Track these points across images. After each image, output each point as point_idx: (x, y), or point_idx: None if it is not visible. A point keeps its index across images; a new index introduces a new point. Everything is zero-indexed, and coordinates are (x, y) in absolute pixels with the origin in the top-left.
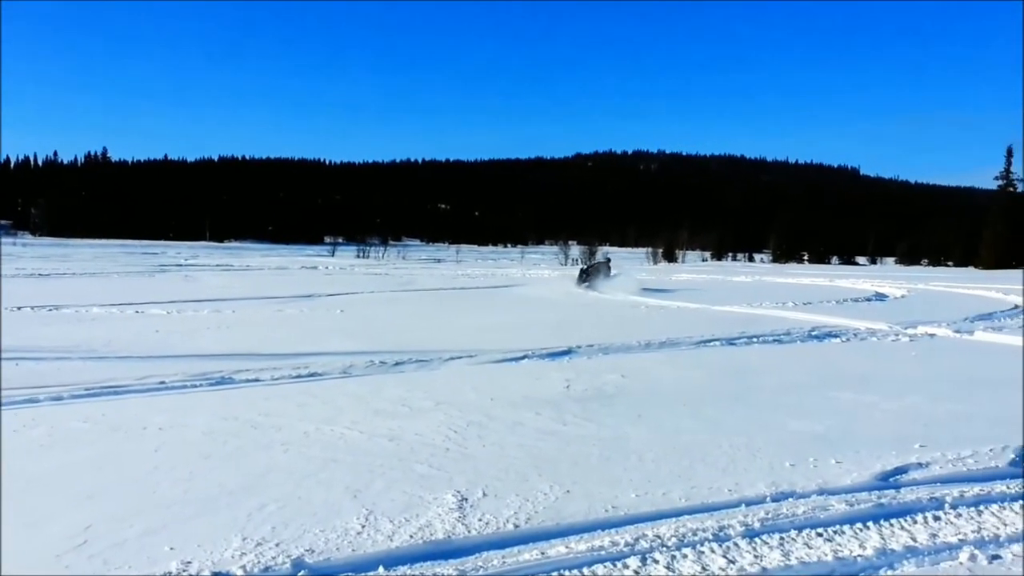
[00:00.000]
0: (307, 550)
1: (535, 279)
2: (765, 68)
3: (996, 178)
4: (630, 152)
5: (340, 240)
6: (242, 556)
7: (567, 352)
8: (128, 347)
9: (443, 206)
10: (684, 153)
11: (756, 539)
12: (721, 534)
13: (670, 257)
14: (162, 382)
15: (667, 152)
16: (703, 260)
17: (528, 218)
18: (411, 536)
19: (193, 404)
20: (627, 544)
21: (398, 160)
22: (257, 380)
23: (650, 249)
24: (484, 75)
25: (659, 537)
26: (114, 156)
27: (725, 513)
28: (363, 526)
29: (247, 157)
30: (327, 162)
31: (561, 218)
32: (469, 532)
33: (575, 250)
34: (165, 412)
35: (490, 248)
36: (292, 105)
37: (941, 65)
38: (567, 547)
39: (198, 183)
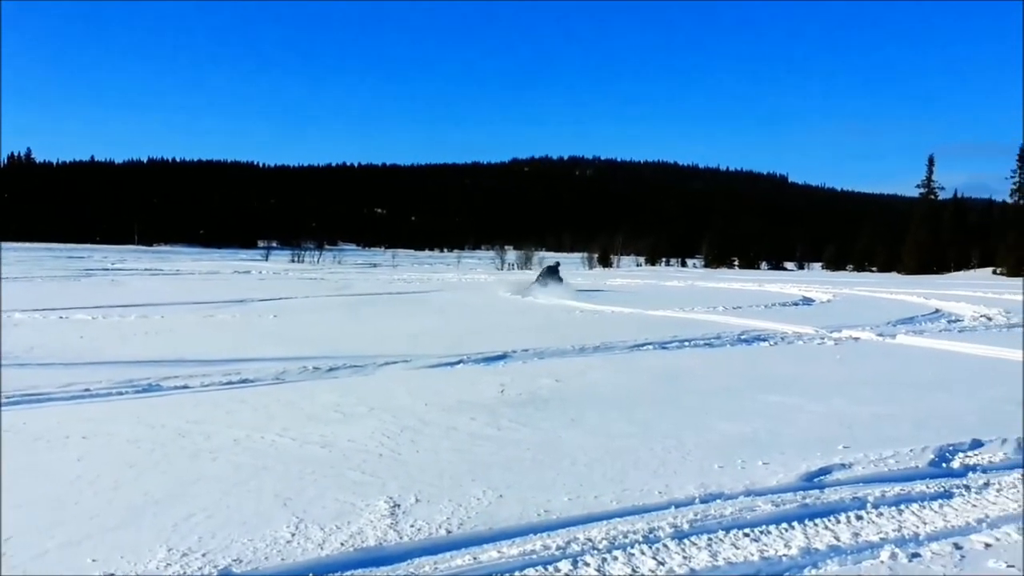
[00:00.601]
0: (235, 560)
1: (472, 284)
2: (696, 77)
3: (918, 186)
4: (566, 158)
5: (274, 244)
6: (167, 567)
7: (502, 357)
8: (52, 353)
9: (379, 211)
10: (619, 159)
11: (685, 540)
12: (651, 536)
13: (605, 262)
14: (87, 389)
15: (602, 158)
16: (638, 265)
17: (465, 223)
18: (342, 544)
19: (118, 412)
20: (559, 547)
21: (334, 164)
22: (186, 387)
23: (586, 254)
24: (421, 80)
25: (590, 540)
26: (39, 157)
27: (655, 515)
28: (293, 534)
29: (178, 159)
30: (261, 165)
31: (498, 223)
32: (401, 539)
33: (511, 255)
34: (89, 420)
35: (427, 253)
36: (225, 106)
37: (866, 76)
38: (499, 552)
39: (127, 185)
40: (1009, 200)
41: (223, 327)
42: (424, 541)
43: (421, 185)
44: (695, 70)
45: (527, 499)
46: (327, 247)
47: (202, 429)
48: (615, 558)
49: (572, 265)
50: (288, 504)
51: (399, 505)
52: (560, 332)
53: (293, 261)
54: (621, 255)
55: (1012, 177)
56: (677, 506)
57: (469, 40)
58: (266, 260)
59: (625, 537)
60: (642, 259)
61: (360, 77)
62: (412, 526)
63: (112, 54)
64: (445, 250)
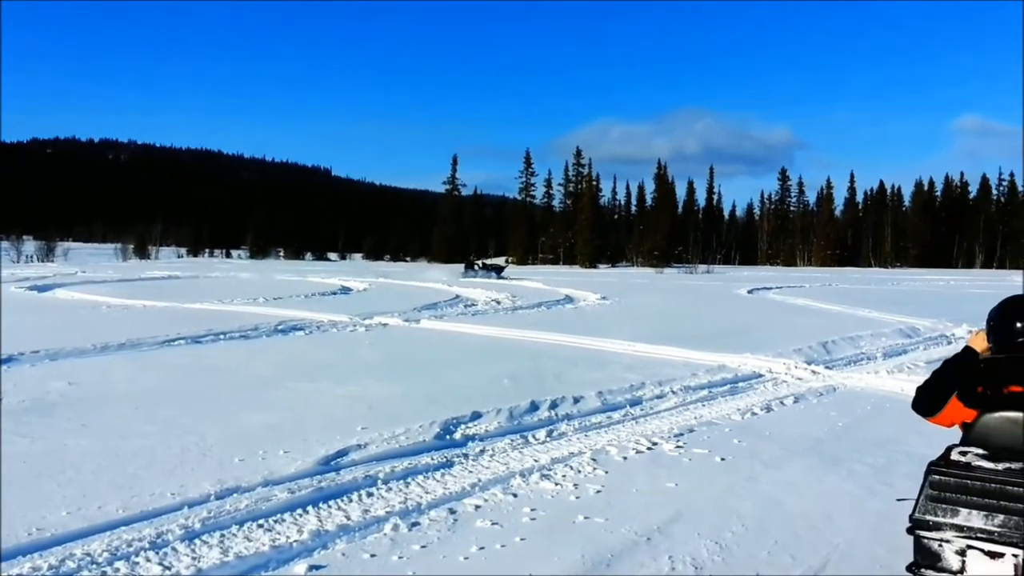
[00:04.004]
0: None
1: None
2: (239, 66)
3: (444, 183)
4: (97, 140)
5: None
6: None
7: (5, 361)
8: None
9: None
10: (157, 145)
11: (196, 540)
12: (159, 541)
13: (142, 253)
14: None
15: (139, 143)
16: (179, 257)
17: None
18: None
19: None
20: (51, 567)
21: None
22: None
23: (120, 245)
24: None
25: (89, 555)
26: None
27: (166, 518)
28: None
29: None
30: None
31: (13, 211)
32: None
33: (30, 246)
34: None
35: None
36: None
37: (396, 79)
38: None
39: None
40: (518, 197)
41: None
42: None
43: None
44: (241, 60)
45: (18, 519)
46: None
47: None
48: (117, 570)
49: (104, 257)
50: None
51: None
52: (81, 329)
53: None
54: (160, 246)
55: (519, 178)
56: (190, 506)
57: None
58: None
59: (129, 546)
60: (184, 250)
61: None
62: None
63: None
64: None
